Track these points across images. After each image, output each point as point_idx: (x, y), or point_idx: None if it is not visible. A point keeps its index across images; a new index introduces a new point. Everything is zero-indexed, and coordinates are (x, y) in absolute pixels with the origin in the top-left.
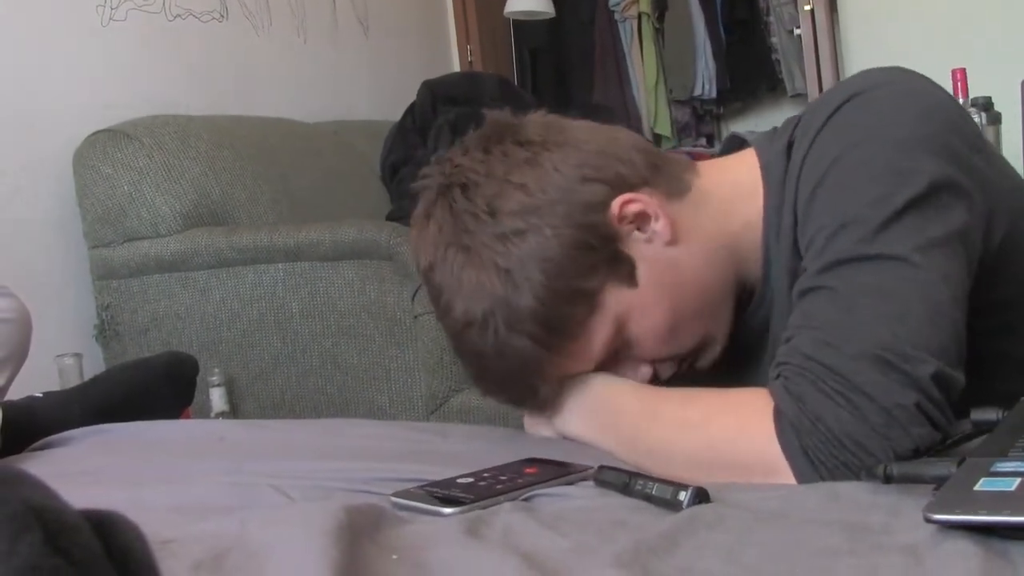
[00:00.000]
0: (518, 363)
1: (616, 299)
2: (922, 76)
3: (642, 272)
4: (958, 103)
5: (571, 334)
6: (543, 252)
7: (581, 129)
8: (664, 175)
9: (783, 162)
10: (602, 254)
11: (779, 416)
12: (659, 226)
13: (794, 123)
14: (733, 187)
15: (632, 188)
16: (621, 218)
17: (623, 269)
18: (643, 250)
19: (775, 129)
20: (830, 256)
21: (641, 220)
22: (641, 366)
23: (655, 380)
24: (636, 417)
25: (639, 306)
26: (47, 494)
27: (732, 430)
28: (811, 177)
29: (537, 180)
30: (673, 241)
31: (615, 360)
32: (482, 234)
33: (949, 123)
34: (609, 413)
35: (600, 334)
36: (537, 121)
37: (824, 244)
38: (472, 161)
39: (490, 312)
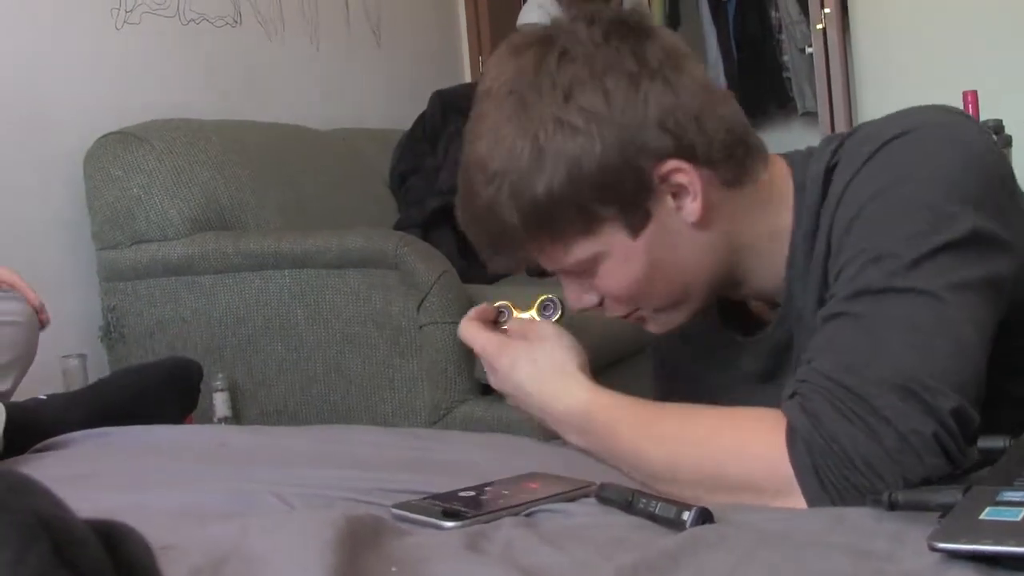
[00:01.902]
0: (495, 226)
1: (611, 238)
2: (969, 119)
3: (650, 232)
4: (999, 149)
5: (555, 237)
6: (582, 156)
7: (694, 78)
8: (735, 163)
9: (819, 188)
10: (628, 192)
11: (792, 434)
12: (693, 206)
13: (836, 144)
14: (773, 189)
15: (694, 160)
16: (663, 178)
17: (636, 218)
18: (666, 216)
19: (811, 149)
20: (859, 285)
21: (680, 192)
22: (592, 293)
23: (598, 311)
24: (634, 438)
25: (624, 255)
26: (55, 504)
27: (740, 446)
28: (849, 209)
29: (622, 97)
30: (699, 225)
31: (573, 275)
32: (546, 106)
33: (993, 173)
34: (602, 432)
35: (579, 254)
36: (667, 41)
37: (855, 273)
38: (589, 37)
39: (504, 170)
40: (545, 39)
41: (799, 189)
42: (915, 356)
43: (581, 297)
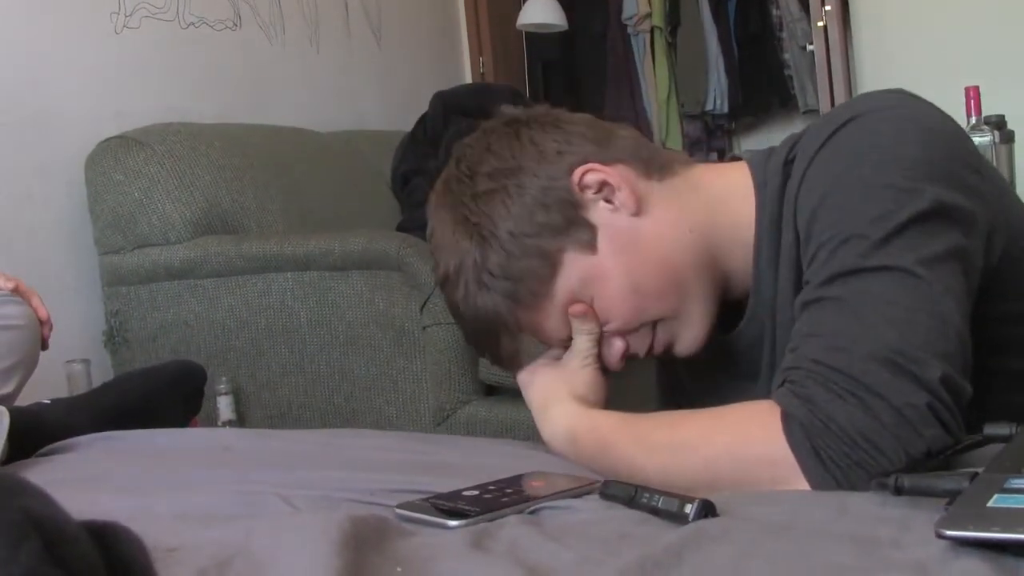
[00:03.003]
0: (486, 318)
1: (576, 264)
2: (922, 99)
3: (603, 241)
4: (956, 124)
5: (535, 291)
6: (507, 209)
7: (573, 117)
8: (643, 158)
9: (779, 178)
10: (560, 217)
11: (787, 419)
12: (623, 195)
13: (793, 141)
14: (726, 186)
15: (601, 162)
16: (583, 186)
17: (583, 235)
18: (607, 218)
19: (772, 148)
20: (832, 269)
21: (607, 190)
22: (614, 340)
23: (629, 358)
24: (628, 448)
25: (598, 274)
26: (47, 503)
27: (734, 443)
28: (812, 196)
29: (511, 149)
30: (638, 212)
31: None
32: (461, 195)
33: (949, 147)
34: (595, 447)
35: (562, 296)
36: (535, 108)
37: (826, 258)
38: (471, 140)
39: (460, 266)
40: (447, 165)
41: (760, 186)
42: (897, 330)
43: (611, 351)
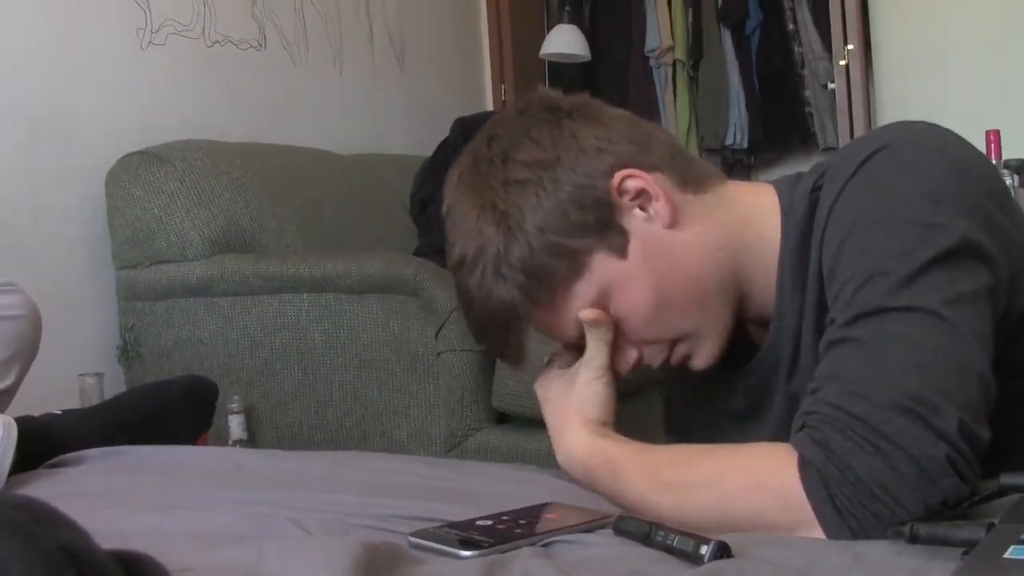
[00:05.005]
0: (498, 309)
1: (603, 267)
2: (951, 132)
3: (634, 247)
4: (988, 160)
5: (553, 289)
6: (539, 203)
7: (613, 112)
8: (681, 168)
9: (806, 204)
10: (594, 218)
11: (804, 465)
12: (659, 206)
13: (821, 170)
14: (755, 205)
15: (641, 168)
16: (621, 191)
17: (615, 239)
18: (641, 227)
19: (800, 174)
20: (856, 308)
21: (643, 198)
22: (628, 349)
23: (641, 367)
24: (640, 486)
25: (624, 279)
26: (80, 535)
27: (749, 484)
28: (839, 228)
29: (552, 139)
30: (673, 224)
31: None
32: (491, 178)
33: (978, 182)
34: (608, 479)
35: (582, 298)
36: (574, 96)
37: (851, 296)
38: (505, 118)
39: (480, 252)
40: (475, 140)
41: (786, 212)
42: (918, 375)
43: (622, 359)
